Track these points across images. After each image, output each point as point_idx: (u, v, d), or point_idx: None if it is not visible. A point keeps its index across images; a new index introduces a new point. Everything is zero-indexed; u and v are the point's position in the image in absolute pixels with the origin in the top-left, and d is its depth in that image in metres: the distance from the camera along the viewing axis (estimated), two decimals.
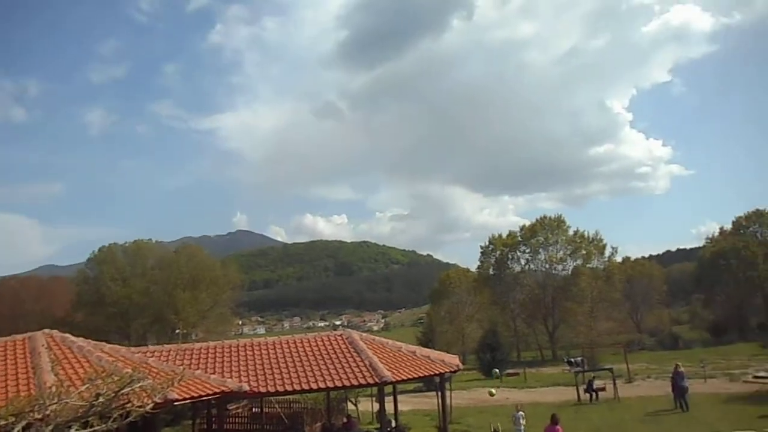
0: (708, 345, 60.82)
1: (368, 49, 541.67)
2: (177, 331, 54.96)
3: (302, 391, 17.08)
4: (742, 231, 76.94)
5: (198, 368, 16.62)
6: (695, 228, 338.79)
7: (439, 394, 20.63)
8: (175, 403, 13.36)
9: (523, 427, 18.67)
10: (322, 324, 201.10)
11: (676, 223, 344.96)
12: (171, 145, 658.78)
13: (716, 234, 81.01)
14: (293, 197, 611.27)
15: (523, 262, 76.35)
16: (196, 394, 14.15)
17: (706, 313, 79.35)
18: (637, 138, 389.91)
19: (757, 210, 76.79)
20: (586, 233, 74.66)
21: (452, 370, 19.01)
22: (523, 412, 19.15)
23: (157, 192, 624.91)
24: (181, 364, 16.25)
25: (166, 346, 19.16)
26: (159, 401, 10.12)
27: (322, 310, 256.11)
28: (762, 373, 31.04)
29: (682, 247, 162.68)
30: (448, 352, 24.57)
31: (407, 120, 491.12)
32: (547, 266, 74.50)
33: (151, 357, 16.72)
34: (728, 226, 79.38)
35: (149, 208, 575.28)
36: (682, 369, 24.14)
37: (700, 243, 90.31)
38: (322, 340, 18.68)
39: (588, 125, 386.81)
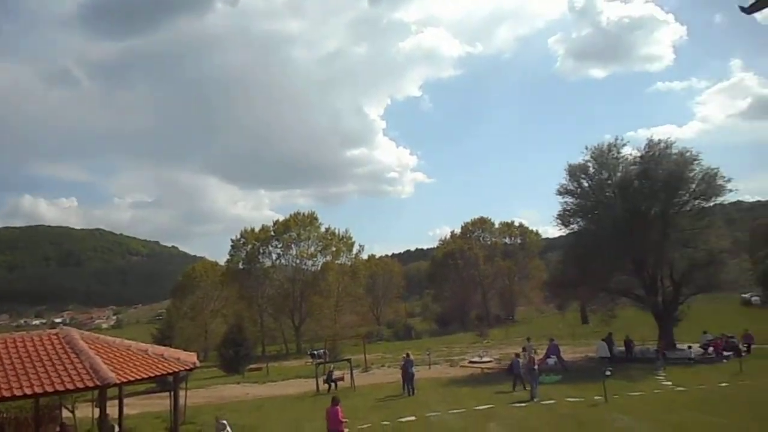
0: (435, 335, 68.06)
1: (116, 17, 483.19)
2: None
3: (2, 400, 14.12)
4: (468, 235, 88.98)
5: None
6: (432, 231, 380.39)
7: (172, 394, 19.08)
8: None
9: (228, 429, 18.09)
10: (37, 322, 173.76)
11: (417, 226, 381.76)
12: None
13: (448, 237, 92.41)
14: (7, 173, 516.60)
15: (274, 256, 76.91)
16: None
17: (435, 307, 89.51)
18: (388, 145, 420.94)
19: (481, 217, 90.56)
20: (336, 231, 78.24)
21: (188, 368, 17.74)
22: (225, 420, 18.53)
23: None
24: None
25: None
26: None
27: (39, 305, 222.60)
28: (475, 359, 35.84)
29: (420, 247, 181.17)
30: (188, 350, 23.04)
31: (157, 100, 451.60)
32: (298, 261, 75.99)
33: None
34: (458, 231, 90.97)
35: None
36: (412, 357, 26.18)
37: (434, 244, 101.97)
38: (32, 340, 15.73)
39: (346, 127, 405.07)
